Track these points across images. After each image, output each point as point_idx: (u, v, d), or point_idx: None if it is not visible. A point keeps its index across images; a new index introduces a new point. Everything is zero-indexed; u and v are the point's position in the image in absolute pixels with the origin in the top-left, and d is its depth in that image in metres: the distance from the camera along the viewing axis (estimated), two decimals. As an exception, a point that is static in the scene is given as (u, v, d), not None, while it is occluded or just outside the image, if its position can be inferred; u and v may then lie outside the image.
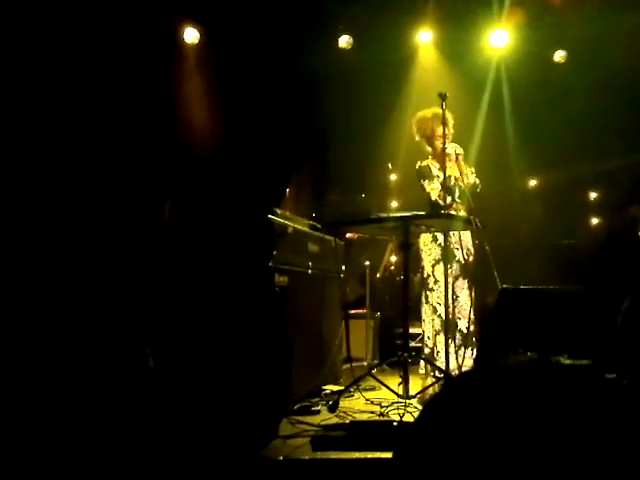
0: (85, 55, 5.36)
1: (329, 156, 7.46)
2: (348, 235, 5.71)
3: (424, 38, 7.27)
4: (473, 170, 4.85)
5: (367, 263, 6.09)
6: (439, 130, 4.78)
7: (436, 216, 4.29)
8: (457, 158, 4.69)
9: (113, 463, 2.74)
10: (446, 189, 4.60)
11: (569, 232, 7.30)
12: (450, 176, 4.67)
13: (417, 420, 0.86)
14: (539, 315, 3.52)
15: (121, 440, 2.89)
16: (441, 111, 4.52)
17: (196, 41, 6.93)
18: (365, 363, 5.82)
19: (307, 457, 3.01)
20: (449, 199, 4.70)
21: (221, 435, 3.12)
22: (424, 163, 4.94)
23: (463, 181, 4.71)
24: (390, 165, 6.40)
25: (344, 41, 7.17)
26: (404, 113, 6.26)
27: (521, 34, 6.91)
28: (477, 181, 4.86)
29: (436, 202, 4.75)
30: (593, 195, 7.90)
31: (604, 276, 5.51)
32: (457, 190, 4.84)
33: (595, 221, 7.90)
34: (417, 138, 5.03)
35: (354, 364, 5.18)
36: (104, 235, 4.82)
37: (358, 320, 6.08)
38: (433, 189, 4.82)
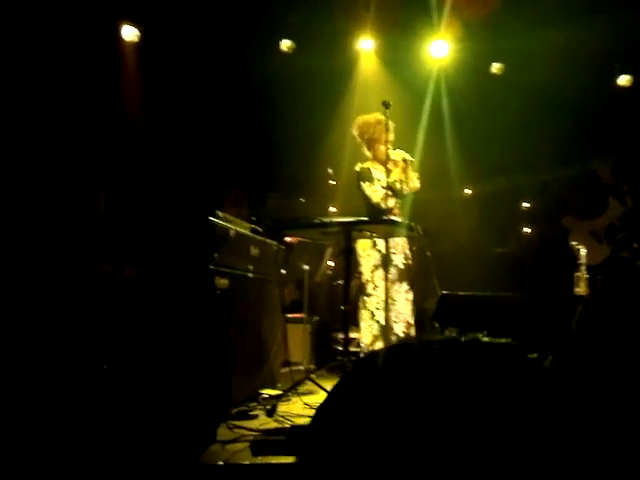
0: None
1: (269, 160, 7.43)
2: (288, 239, 5.69)
3: (365, 45, 7.35)
4: (418, 175, 4.93)
5: (306, 267, 6.09)
6: (382, 136, 4.85)
7: (380, 222, 4.33)
8: (406, 164, 4.76)
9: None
10: (393, 192, 4.68)
11: (502, 240, 7.49)
12: (395, 181, 4.76)
13: (326, 400, 0.84)
14: (477, 321, 3.59)
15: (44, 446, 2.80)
16: (383, 117, 4.59)
17: (136, 39, 6.81)
18: (302, 367, 5.82)
19: (247, 462, 2.99)
20: (391, 202, 4.76)
21: (158, 440, 3.06)
22: (365, 165, 4.99)
23: (408, 185, 4.80)
24: (330, 170, 6.42)
25: (285, 45, 7.18)
26: (346, 119, 6.30)
27: (460, 46, 7.06)
28: (418, 186, 4.95)
29: (377, 205, 4.80)
30: (525, 205, 8.13)
31: (537, 284, 5.67)
32: (400, 194, 4.91)
33: (527, 230, 8.12)
34: (358, 140, 5.08)
35: (291, 368, 5.17)
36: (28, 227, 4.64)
37: (295, 324, 6.07)
38: (374, 191, 4.86)
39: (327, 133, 6.97)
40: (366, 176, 4.93)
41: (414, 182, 4.87)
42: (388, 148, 4.59)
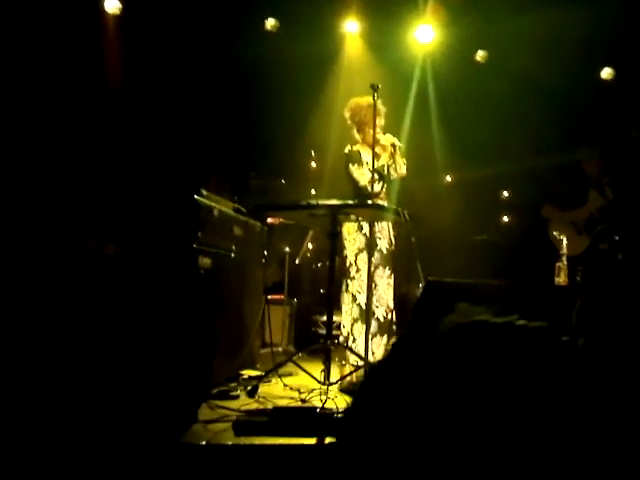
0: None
1: (252, 142, 7.37)
2: (270, 220, 5.67)
3: (351, 27, 7.29)
4: (405, 161, 4.92)
5: (287, 249, 6.08)
6: (372, 120, 4.82)
7: (367, 206, 4.32)
8: (394, 149, 4.75)
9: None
10: (380, 175, 4.67)
11: (483, 228, 7.53)
12: (384, 165, 4.75)
13: (364, 382, 0.82)
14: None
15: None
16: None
17: (117, 12, 6.69)
18: (280, 349, 5.83)
19: (230, 442, 2.99)
20: (378, 187, 4.75)
21: (140, 419, 3.04)
22: (355, 148, 4.95)
23: (396, 170, 4.80)
24: (313, 152, 6.39)
25: (269, 24, 7.10)
26: (330, 102, 6.27)
27: (445, 31, 7.03)
28: (405, 172, 4.95)
29: (364, 188, 4.78)
30: (506, 194, 8.18)
31: (517, 272, 5.71)
32: (387, 179, 4.90)
33: (508, 219, 8.18)
34: (349, 122, 5.05)
35: (269, 349, 5.19)
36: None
37: (275, 306, 6.07)
38: (362, 174, 4.83)
39: (311, 116, 6.92)
40: (355, 158, 4.90)
41: (401, 168, 4.85)
42: (377, 132, 4.56)
